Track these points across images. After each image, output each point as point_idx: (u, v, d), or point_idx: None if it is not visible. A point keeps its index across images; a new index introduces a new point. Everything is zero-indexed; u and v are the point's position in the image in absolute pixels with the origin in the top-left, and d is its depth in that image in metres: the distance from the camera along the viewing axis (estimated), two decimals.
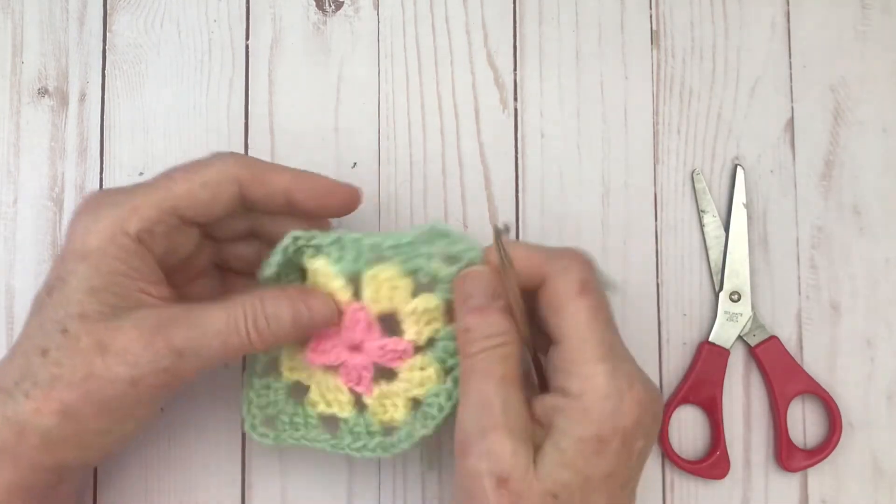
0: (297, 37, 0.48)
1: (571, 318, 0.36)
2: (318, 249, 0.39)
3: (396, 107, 0.48)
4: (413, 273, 0.39)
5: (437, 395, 0.40)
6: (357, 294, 0.40)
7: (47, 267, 0.46)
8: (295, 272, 0.41)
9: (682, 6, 0.49)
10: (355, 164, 0.47)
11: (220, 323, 0.36)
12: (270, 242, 0.40)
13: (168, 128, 0.47)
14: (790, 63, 0.49)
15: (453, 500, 0.38)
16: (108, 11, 0.48)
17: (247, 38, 0.48)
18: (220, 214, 0.38)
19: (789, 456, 0.45)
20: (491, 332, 0.37)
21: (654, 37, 0.49)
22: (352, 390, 0.41)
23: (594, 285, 0.37)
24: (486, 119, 0.48)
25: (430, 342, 0.40)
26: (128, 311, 0.36)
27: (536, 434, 0.36)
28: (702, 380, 0.46)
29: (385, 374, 0.41)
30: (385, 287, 0.39)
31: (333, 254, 0.39)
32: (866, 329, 0.47)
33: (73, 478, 0.39)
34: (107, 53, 0.48)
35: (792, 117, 0.48)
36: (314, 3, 0.48)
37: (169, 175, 0.38)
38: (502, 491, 0.34)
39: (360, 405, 0.41)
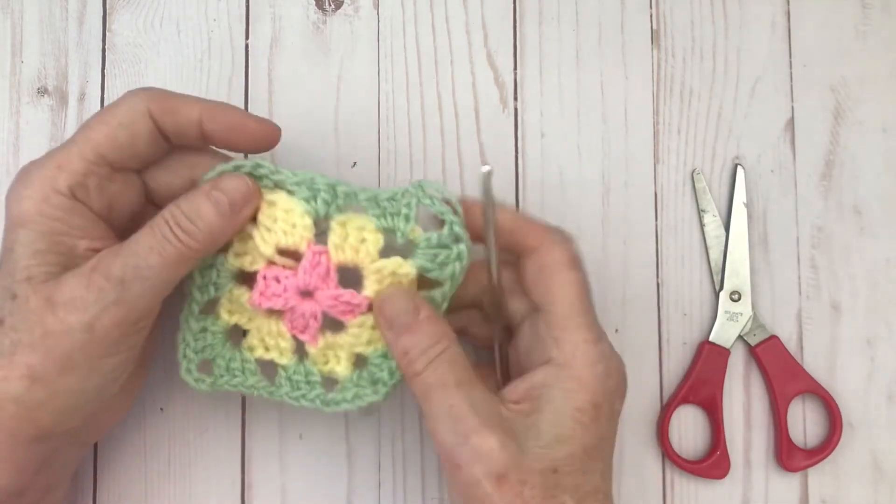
0: (296, 36, 0.48)
1: (563, 287, 0.37)
2: (279, 184, 0.38)
3: (396, 106, 0.48)
4: (387, 231, 0.38)
5: (387, 357, 0.39)
6: (321, 238, 0.39)
7: None
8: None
9: (682, 6, 0.49)
10: (355, 163, 0.47)
11: (148, 238, 0.36)
12: (184, 142, 0.39)
13: None
14: (790, 63, 0.49)
15: None
16: (107, 11, 0.48)
17: (246, 38, 0.48)
18: (146, 155, 0.38)
19: (789, 456, 0.45)
20: (427, 344, 0.37)
21: (655, 36, 0.49)
22: (295, 338, 0.40)
23: (582, 264, 0.38)
24: (486, 119, 0.48)
25: None
26: (72, 267, 0.36)
27: (517, 418, 0.36)
28: (702, 379, 0.46)
29: (332, 325, 0.40)
30: (353, 237, 0.38)
31: (302, 192, 0.38)
32: (866, 329, 0.47)
33: (64, 453, 0.38)
34: (106, 53, 0.48)
35: (792, 117, 0.48)
36: (314, 3, 0.48)
37: (86, 125, 0.37)
38: (504, 486, 0.34)
39: (300, 353, 0.40)
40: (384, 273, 0.38)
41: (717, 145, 0.48)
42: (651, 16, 0.49)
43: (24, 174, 0.37)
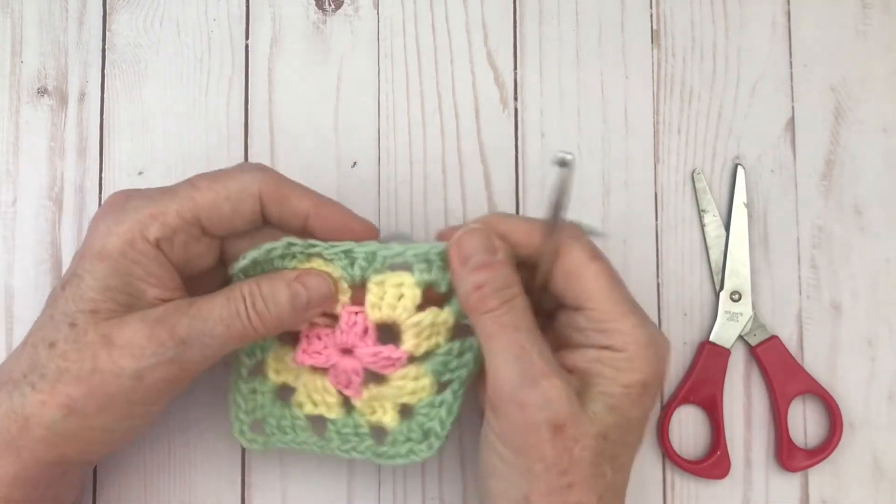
0: (296, 36, 0.48)
1: (593, 283, 0.37)
2: (314, 256, 0.39)
3: (396, 106, 0.48)
4: (427, 284, 0.39)
5: (434, 405, 0.40)
6: (357, 298, 0.40)
7: (46, 266, 0.46)
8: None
9: (682, 6, 0.49)
10: (355, 163, 0.47)
11: (220, 309, 0.37)
12: (285, 230, 0.40)
13: (167, 127, 0.47)
14: (791, 62, 0.49)
15: (488, 462, 0.37)
16: (107, 11, 0.48)
17: (246, 38, 0.48)
18: (240, 228, 0.39)
19: (790, 456, 0.45)
20: (504, 284, 0.37)
21: (655, 36, 0.49)
22: (340, 392, 0.41)
23: (598, 250, 0.39)
24: (486, 118, 0.48)
25: (427, 355, 0.40)
26: (136, 310, 0.36)
27: (572, 380, 0.37)
28: (702, 379, 0.46)
29: (375, 378, 0.41)
30: (390, 294, 0.39)
31: (340, 260, 0.39)
32: (867, 329, 0.47)
33: (75, 472, 0.39)
34: (106, 53, 0.48)
35: (792, 117, 0.48)
36: (314, 3, 0.48)
37: (193, 183, 0.38)
38: (559, 437, 0.35)
39: (347, 407, 0.41)
40: (423, 325, 0.39)
41: (718, 145, 0.48)
42: (651, 16, 0.49)
43: (120, 208, 0.37)
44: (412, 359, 0.40)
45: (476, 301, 0.37)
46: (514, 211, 0.47)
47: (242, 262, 0.39)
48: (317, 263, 0.39)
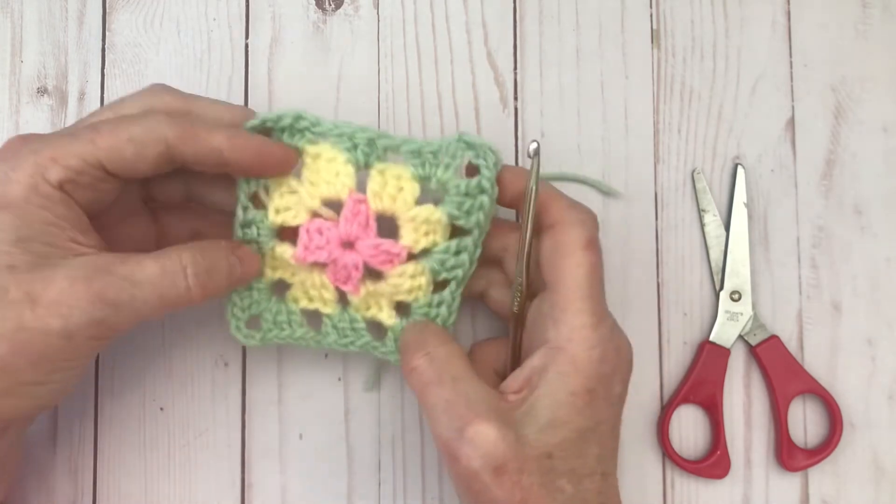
0: (296, 35, 0.48)
1: (573, 268, 0.37)
2: (322, 136, 0.39)
3: (396, 106, 0.48)
4: (424, 179, 0.40)
5: (432, 305, 0.41)
6: (361, 188, 0.40)
7: None
8: (267, 236, 0.40)
9: (682, 5, 0.49)
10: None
11: (155, 276, 0.36)
12: (201, 177, 0.40)
13: None
14: (791, 62, 0.49)
15: (457, 495, 0.38)
16: (107, 10, 0.48)
17: (246, 37, 0.48)
18: (145, 171, 0.37)
19: (790, 455, 0.45)
20: (420, 343, 0.38)
21: (655, 36, 0.49)
22: (337, 288, 0.41)
23: (598, 245, 0.39)
24: (486, 118, 0.48)
25: (425, 252, 0.40)
26: (58, 261, 0.35)
27: (515, 407, 0.36)
28: (702, 379, 0.46)
29: (373, 275, 0.41)
30: (391, 185, 0.39)
31: (344, 142, 0.39)
32: (867, 328, 0.47)
33: (13, 432, 0.38)
34: (106, 52, 0.48)
35: (793, 116, 0.48)
36: (314, 2, 0.48)
37: (95, 127, 0.36)
38: (503, 478, 0.34)
39: (343, 302, 0.42)
40: (418, 221, 0.39)
41: (718, 145, 0.48)
42: (651, 16, 0.49)
43: (13, 154, 0.36)
44: (410, 256, 0.40)
45: (403, 362, 0.39)
46: (513, 214, 0.47)
47: (253, 122, 0.39)
48: (326, 148, 0.39)
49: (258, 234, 0.41)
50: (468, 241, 0.40)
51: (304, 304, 0.42)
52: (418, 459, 0.45)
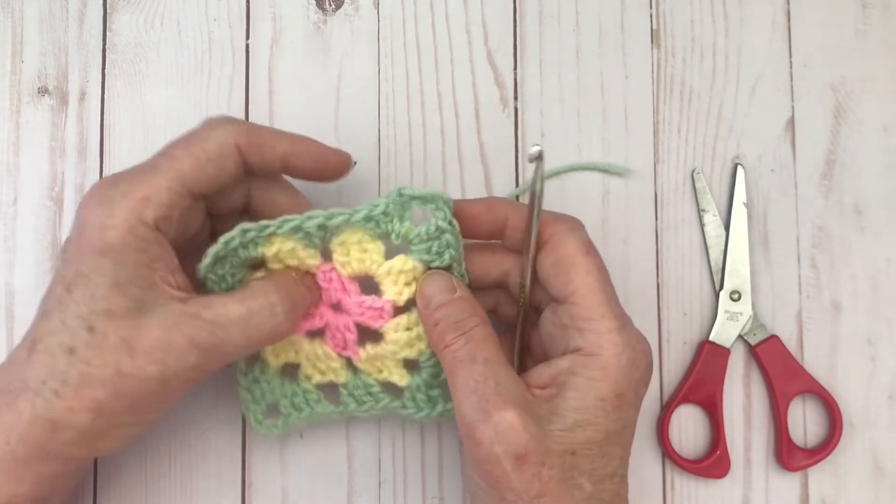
0: (297, 36, 0.48)
1: (583, 276, 0.37)
2: (272, 237, 0.39)
3: (396, 106, 0.48)
4: (384, 236, 0.40)
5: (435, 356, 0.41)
6: (327, 258, 0.41)
7: (47, 266, 0.46)
8: (238, 268, 0.40)
9: (682, 5, 0.49)
10: (355, 162, 0.47)
11: (241, 319, 0.37)
12: (261, 215, 0.40)
13: (168, 127, 0.47)
14: (791, 62, 0.49)
15: (469, 488, 0.38)
16: (107, 11, 0.48)
17: (247, 38, 0.48)
18: (226, 184, 0.38)
19: (790, 455, 0.45)
20: (459, 317, 0.38)
21: (655, 36, 0.49)
22: (340, 355, 0.42)
23: (594, 247, 0.39)
24: (487, 118, 0.48)
25: (412, 303, 0.41)
26: (152, 307, 0.36)
27: (541, 400, 0.37)
28: (702, 379, 0.46)
29: (371, 337, 0.41)
30: (355, 250, 0.40)
31: (296, 234, 0.39)
32: (867, 328, 0.47)
33: (88, 465, 0.40)
34: (107, 53, 0.48)
35: (792, 116, 0.48)
36: (314, 2, 0.48)
37: (170, 154, 0.37)
38: (524, 468, 0.34)
39: (353, 368, 0.42)
40: (394, 273, 0.40)
41: (718, 145, 0.48)
42: (651, 15, 0.49)
43: (108, 199, 0.36)
44: (399, 309, 0.41)
45: (435, 338, 0.38)
46: None
47: (206, 262, 0.39)
48: (278, 242, 0.39)
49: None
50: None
51: (317, 379, 0.42)
52: (418, 459, 0.45)
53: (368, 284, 0.41)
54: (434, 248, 0.40)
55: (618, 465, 0.37)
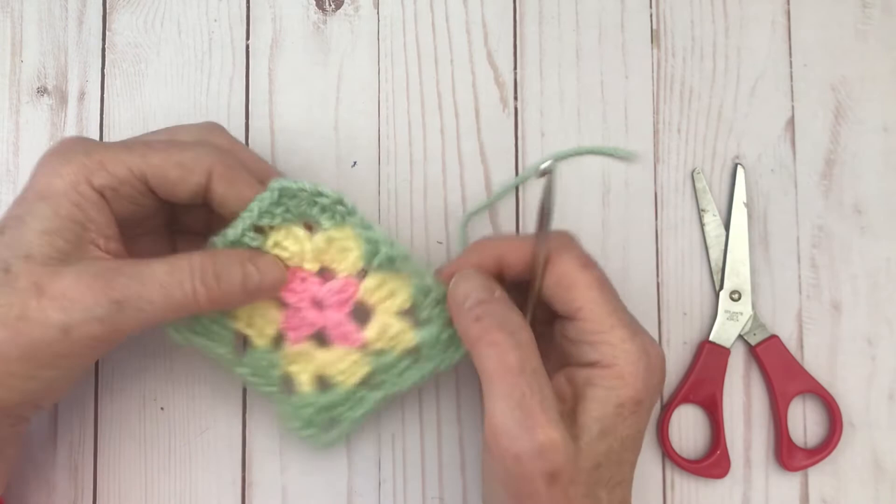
0: (297, 36, 0.48)
1: (584, 291, 0.37)
2: (347, 226, 0.40)
3: (396, 106, 0.48)
4: (416, 302, 0.41)
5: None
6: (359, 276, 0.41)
7: None
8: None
9: (682, 5, 0.49)
10: (355, 163, 0.47)
11: (163, 275, 0.36)
12: (223, 212, 0.40)
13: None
14: (791, 62, 0.49)
15: (487, 496, 0.38)
16: (107, 10, 0.48)
17: (247, 38, 0.48)
18: (181, 197, 0.38)
19: (790, 455, 0.45)
20: (506, 317, 0.36)
21: (655, 36, 0.49)
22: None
23: (591, 258, 0.38)
24: (486, 118, 0.48)
25: (378, 353, 0.41)
26: (74, 259, 0.35)
27: (566, 412, 0.36)
28: (702, 379, 0.46)
29: (362, 314, 0.41)
30: (385, 289, 0.40)
31: (366, 240, 0.40)
32: (867, 328, 0.47)
33: (2, 425, 0.38)
34: (106, 52, 0.48)
35: (792, 116, 0.48)
36: (314, 3, 0.48)
37: (148, 142, 0.38)
38: (555, 485, 0.34)
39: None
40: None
41: (718, 145, 0.48)
42: (651, 15, 0.49)
43: (67, 150, 0.37)
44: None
45: (478, 332, 0.36)
46: (513, 211, 0.47)
47: (231, 236, 0.39)
48: (345, 230, 0.40)
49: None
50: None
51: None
52: (418, 459, 0.45)
53: (361, 309, 0.41)
54: (436, 351, 0.41)
55: (629, 471, 0.37)
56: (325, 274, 0.41)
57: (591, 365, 0.37)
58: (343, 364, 0.41)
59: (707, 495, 0.46)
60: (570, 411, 0.36)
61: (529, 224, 0.47)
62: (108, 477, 0.45)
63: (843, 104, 0.48)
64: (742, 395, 0.47)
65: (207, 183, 0.38)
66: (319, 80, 0.48)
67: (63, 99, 0.47)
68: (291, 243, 0.40)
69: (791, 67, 0.49)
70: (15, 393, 0.36)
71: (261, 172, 0.40)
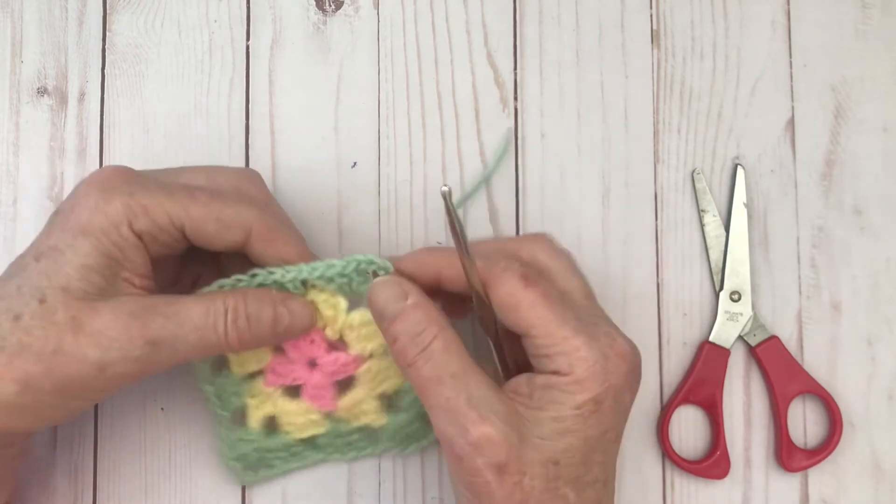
0: (297, 37, 0.48)
1: (529, 311, 0.36)
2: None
3: (396, 106, 0.48)
4: (346, 294, 0.40)
5: (409, 390, 0.42)
6: None
7: None
8: None
9: (682, 5, 0.49)
10: (355, 163, 0.47)
11: (198, 317, 0.36)
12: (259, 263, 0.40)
13: (168, 128, 0.47)
14: (791, 62, 0.49)
15: (456, 497, 0.38)
16: (107, 11, 0.48)
17: (247, 39, 0.48)
18: (216, 247, 0.38)
19: (790, 456, 0.45)
20: (416, 331, 0.36)
21: (655, 36, 0.49)
22: (319, 410, 0.43)
23: (533, 273, 0.38)
24: (486, 118, 0.48)
25: (378, 349, 0.42)
26: (108, 295, 0.36)
27: (519, 407, 0.36)
28: (702, 380, 0.46)
29: (344, 384, 0.42)
30: (324, 306, 0.40)
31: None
32: (867, 328, 0.47)
33: (14, 443, 0.38)
34: (106, 53, 0.48)
35: (792, 116, 0.48)
36: (314, 3, 0.48)
37: (192, 194, 0.38)
38: (503, 476, 0.34)
39: (333, 418, 0.43)
40: (354, 325, 0.41)
41: (718, 145, 0.48)
42: (651, 16, 0.49)
43: (111, 187, 0.36)
44: (366, 358, 0.42)
45: (397, 356, 0.37)
46: (513, 211, 0.47)
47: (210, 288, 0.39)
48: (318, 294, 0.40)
49: (234, 387, 0.42)
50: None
51: (297, 435, 0.43)
52: (418, 459, 0.45)
53: (336, 342, 0.41)
54: None
55: (599, 471, 0.37)
56: (337, 344, 0.41)
57: (552, 373, 0.36)
58: (300, 419, 0.42)
59: (707, 496, 0.46)
60: (527, 405, 0.36)
61: (529, 222, 0.47)
62: (108, 478, 0.45)
63: (843, 104, 0.48)
64: (742, 395, 0.47)
65: (245, 239, 0.38)
66: (319, 81, 0.48)
67: (63, 99, 0.47)
68: (327, 309, 0.40)
69: (791, 68, 0.49)
70: (42, 420, 0.37)
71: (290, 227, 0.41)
